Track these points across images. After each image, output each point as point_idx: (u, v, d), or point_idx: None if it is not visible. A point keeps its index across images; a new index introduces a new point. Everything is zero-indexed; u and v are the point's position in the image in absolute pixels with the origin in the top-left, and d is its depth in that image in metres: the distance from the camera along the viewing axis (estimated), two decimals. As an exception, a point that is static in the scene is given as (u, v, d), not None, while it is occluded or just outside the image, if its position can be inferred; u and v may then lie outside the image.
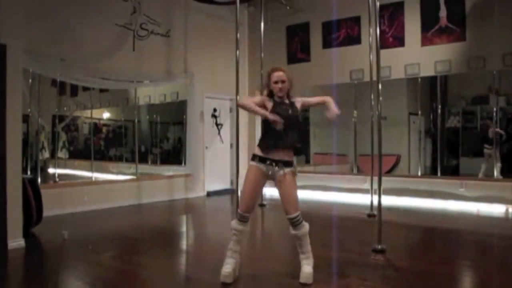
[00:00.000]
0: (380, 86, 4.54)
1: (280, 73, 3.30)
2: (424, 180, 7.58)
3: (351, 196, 7.71)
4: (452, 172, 9.00)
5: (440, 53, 7.26)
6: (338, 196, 7.93)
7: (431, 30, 7.33)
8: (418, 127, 9.00)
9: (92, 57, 6.83)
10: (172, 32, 8.14)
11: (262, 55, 7.12)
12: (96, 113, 8.62)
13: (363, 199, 6.94)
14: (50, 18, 6.28)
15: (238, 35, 5.73)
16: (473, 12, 6.96)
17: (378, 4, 4.99)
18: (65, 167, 7.79)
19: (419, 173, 8.25)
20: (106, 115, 9.38)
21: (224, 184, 9.14)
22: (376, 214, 4.71)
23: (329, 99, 3.38)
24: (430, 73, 7.49)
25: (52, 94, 7.24)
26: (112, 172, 8.48)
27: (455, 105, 9.48)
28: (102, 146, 9.27)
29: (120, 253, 4.39)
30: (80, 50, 6.64)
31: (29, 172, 6.50)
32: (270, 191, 8.20)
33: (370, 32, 6.17)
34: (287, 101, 3.34)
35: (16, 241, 4.32)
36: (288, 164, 3.25)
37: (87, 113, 8.19)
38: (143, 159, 8.86)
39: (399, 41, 7.67)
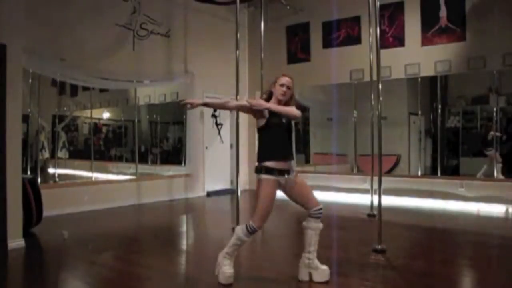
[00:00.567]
0: (380, 86, 4.54)
1: (289, 80, 3.33)
2: (424, 180, 7.58)
3: (351, 196, 7.71)
4: (452, 172, 9.01)
5: (440, 53, 7.26)
6: (338, 196, 7.93)
7: (431, 30, 7.33)
8: (418, 127, 9.00)
9: (92, 57, 6.83)
10: (172, 32, 8.14)
11: (262, 55, 7.10)
12: (96, 113, 8.63)
13: (363, 199, 6.94)
14: (50, 18, 6.27)
15: (238, 35, 5.72)
16: (473, 12, 6.96)
17: (378, 4, 4.99)
18: (65, 167, 7.79)
19: (419, 173, 8.25)
20: (106, 115, 9.39)
21: (224, 184, 9.14)
22: (376, 214, 4.70)
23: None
24: (430, 73, 7.50)
25: (52, 94, 7.25)
26: (112, 172, 8.49)
27: (455, 105, 9.48)
28: (102, 146, 9.28)
29: (120, 253, 4.39)
30: (80, 50, 6.64)
31: (29, 172, 6.50)
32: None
33: (370, 32, 6.17)
34: None
35: (16, 241, 4.32)
36: (293, 169, 3.32)
37: (87, 113, 8.20)
38: (143, 159, 8.86)
39: (399, 41, 7.67)
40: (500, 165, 7.33)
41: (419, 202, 7.09)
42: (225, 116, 9.12)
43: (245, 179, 8.71)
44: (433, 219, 6.17)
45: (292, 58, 9.05)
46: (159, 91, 8.93)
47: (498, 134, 7.51)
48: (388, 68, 7.60)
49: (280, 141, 3.23)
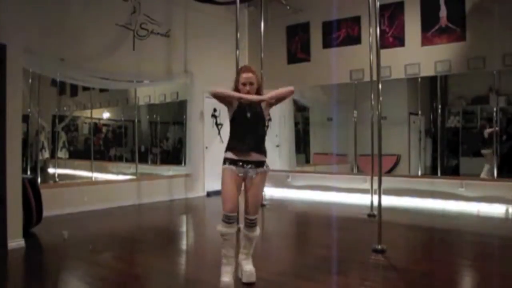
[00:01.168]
0: (380, 86, 4.54)
1: (249, 75, 3.18)
2: (424, 180, 7.57)
3: (351, 196, 7.71)
4: (452, 172, 9.01)
5: (440, 53, 7.26)
6: (338, 196, 7.93)
7: (431, 30, 7.33)
8: (418, 127, 9.00)
9: (92, 57, 6.83)
10: (172, 32, 8.14)
11: (262, 55, 7.11)
12: (96, 113, 8.62)
13: (363, 199, 6.94)
14: (50, 18, 6.28)
15: (238, 35, 5.73)
16: (473, 12, 6.96)
17: (378, 4, 4.99)
18: (65, 167, 7.79)
19: (419, 173, 8.25)
20: (106, 115, 9.38)
21: (224, 184, 9.12)
22: (376, 214, 4.70)
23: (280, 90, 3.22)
24: (430, 73, 7.49)
25: (52, 94, 7.25)
26: (112, 172, 8.49)
27: (455, 105, 9.48)
28: (102, 146, 9.28)
29: (120, 253, 4.39)
30: (80, 50, 6.64)
31: (29, 172, 6.50)
32: (270, 191, 8.23)
33: (370, 32, 6.17)
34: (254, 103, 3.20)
35: (16, 241, 4.32)
36: (259, 164, 3.20)
37: (87, 113, 8.19)
38: (143, 159, 8.86)
39: (399, 41, 7.67)
40: (488, 166, 7.36)
41: (419, 202, 7.09)
42: (225, 116, 9.09)
43: (245, 179, 8.70)
44: (433, 219, 6.17)
45: (292, 58, 9.05)
46: (159, 91, 8.93)
47: (491, 130, 7.51)
48: (388, 68, 7.60)
49: (242, 133, 3.16)
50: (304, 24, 8.85)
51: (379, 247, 4.16)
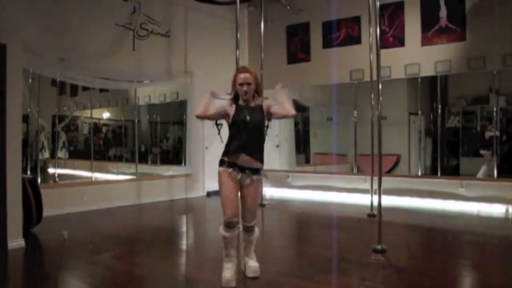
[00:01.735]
0: (380, 86, 4.54)
1: (247, 75, 3.13)
2: (424, 180, 7.57)
3: (351, 196, 7.71)
4: (452, 172, 9.01)
5: (440, 53, 7.26)
6: (338, 196, 7.92)
7: (431, 30, 7.33)
8: (418, 127, 9.01)
9: (92, 57, 6.83)
10: (172, 32, 8.14)
11: (262, 55, 7.11)
12: (96, 113, 8.63)
13: (363, 199, 6.93)
14: (50, 18, 6.28)
15: (238, 35, 5.73)
16: (473, 12, 6.96)
17: (378, 4, 4.99)
18: (65, 167, 7.80)
19: (419, 173, 8.25)
20: (106, 115, 9.39)
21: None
22: (376, 214, 4.70)
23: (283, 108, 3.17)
24: (430, 73, 7.49)
25: (52, 94, 7.25)
26: (112, 172, 8.49)
27: (455, 105, 9.48)
28: (102, 146, 9.28)
29: (120, 253, 4.38)
30: (80, 50, 6.64)
31: (29, 172, 6.50)
32: (270, 191, 8.23)
33: (370, 32, 6.17)
34: (252, 104, 3.19)
35: (16, 241, 4.32)
36: (256, 171, 3.18)
37: (87, 113, 8.20)
38: (143, 159, 8.86)
39: (399, 41, 7.67)
40: (485, 167, 7.37)
41: (419, 202, 7.09)
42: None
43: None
44: (433, 219, 6.17)
45: (292, 58, 9.05)
46: (159, 91, 8.93)
47: (497, 133, 7.50)
48: (388, 68, 7.59)
49: (239, 137, 3.12)
50: (304, 24, 8.85)
51: (379, 247, 4.16)
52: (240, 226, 3.31)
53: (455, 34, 7.12)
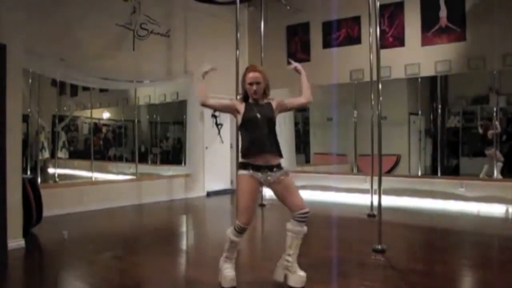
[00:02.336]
0: (380, 86, 4.54)
1: (256, 74, 3.12)
2: (424, 180, 7.58)
3: (351, 196, 7.71)
4: (452, 172, 9.01)
5: (440, 53, 7.26)
6: (338, 196, 7.93)
7: (431, 30, 7.33)
8: (418, 127, 9.01)
9: (92, 57, 6.83)
10: (172, 32, 8.14)
11: (262, 55, 7.11)
12: (96, 113, 8.63)
13: (363, 199, 6.93)
14: (50, 18, 6.28)
15: (238, 35, 5.73)
16: (473, 12, 6.96)
17: (378, 4, 4.99)
18: (65, 167, 7.79)
19: (419, 173, 8.25)
20: (106, 115, 9.39)
21: (224, 184, 9.14)
22: (376, 214, 4.70)
23: (304, 98, 3.33)
24: (430, 73, 7.50)
25: (52, 94, 7.25)
26: (112, 172, 8.49)
27: (455, 105, 9.48)
28: (102, 146, 9.28)
29: (120, 253, 4.38)
30: (80, 50, 6.64)
31: (29, 172, 6.50)
32: (270, 191, 8.22)
33: (370, 32, 6.17)
34: (262, 103, 3.19)
35: (16, 241, 4.32)
36: (279, 167, 3.15)
37: (87, 113, 8.21)
38: (143, 159, 8.86)
39: (399, 41, 7.67)
40: (500, 164, 7.32)
41: (419, 202, 7.09)
42: (225, 116, 9.12)
43: (245, 179, 8.70)
44: (433, 219, 6.17)
45: (292, 58, 8.98)
46: (159, 91, 8.93)
47: (498, 130, 7.51)
48: (388, 68, 7.60)
49: (255, 136, 3.08)
50: (304, 24, 8.85)
51: (379, 247, 4.16)
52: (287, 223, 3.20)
53: (455, 34, 7.12)
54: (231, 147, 9.04)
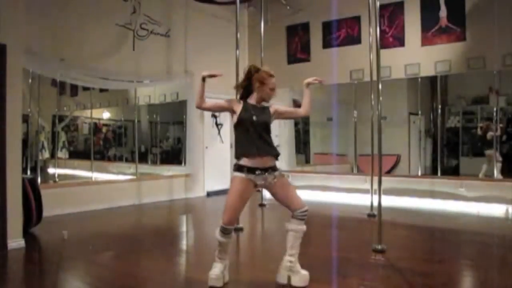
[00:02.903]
0: (380, 86, 4.54)
1: (274, 81, 3.21)
2: (424, 180, 7.58)
3: (351, 196, 7.71)
4: (452, 172, 9.01)
5: (440, 53, 7.26)
6: (338, 196, 7.93)
7: (431, 30, 7.33)
8: (418, 127, 9.00)
9: (92, 57, 6.83)
10: (172, 32, 8.14)
11: (262, 55, 7.11)
12: (96, 113, 8.62)
13: (363, 199, 6.94)
14: (50, 18, 6.28)
15: (238, 35, 5.73)
16: (473, 12, 6.96)
17: (378, 4, 4.99)
18: (65, 167, 7.79)
19: (419, 173, 8.25)
20: (106, 115, 9.38)
21: (224, 184, 9.11)
22: (376, 214, 4.70)
23: (303, 109, 3.34)
24: (430, 73, 7.50)
25: (52, 94, 7.24)
26: (112, 172, 8.49)
27: (455, 105, 9.48)
28: (102, 146, 9.28)
29: (120, 253, 4.38)
30: (80, 50, 6.64)
31: (29, 172, 6.50)
32: (270, 191, 8.21)
33: (370, 32, 6.17)
34: (260, 106, 3.22)
35: (16, 241, 4.32)
36: (274, 169, 3.17)
37: (87, 113, 8.19)
38: (143, 159, 8.86)
39: (399, 41, 7.67)
40: (499, 164, 7.32)
41: (419, 202, 7.09)
42: (225, 117, 9.12)
43: (245, 179, 8.71)
44: (433, 219, 6.17)
45: (292, 58, 9.05)
46: (159, 91, 8.93)
47: (498, 133, 7.51)
48: (388, 68, 7.60)
49: (250, 137, 3.09)
50: (304, 24, 8.85)
51: (379, 247, 4.16)
52: (287, 223, 3.22)
53: (455, 34, 7.12)
54: (231, 147, 9.04)
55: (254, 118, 3.11)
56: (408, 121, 8.98)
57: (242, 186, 3.09)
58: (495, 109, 7.40)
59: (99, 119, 9.11)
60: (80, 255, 4.26)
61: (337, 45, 8.39)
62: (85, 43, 6.73)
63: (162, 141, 9.72)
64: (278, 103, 3.40)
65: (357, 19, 8.11)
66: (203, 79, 3.16)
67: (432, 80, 8.13)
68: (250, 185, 3.12)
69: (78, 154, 8.44)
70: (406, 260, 4.07)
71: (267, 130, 3.20)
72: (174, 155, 9.62)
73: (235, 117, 3.16)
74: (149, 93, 8.82)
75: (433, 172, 8.57)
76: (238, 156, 3.15)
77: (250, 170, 3.08)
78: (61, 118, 7.89)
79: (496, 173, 7.19)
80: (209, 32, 8.62)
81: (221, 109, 3.34)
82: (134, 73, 7.55)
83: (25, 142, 6.26)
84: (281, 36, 9.10)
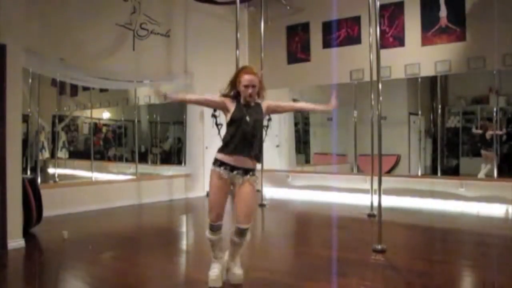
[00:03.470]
0: (380, 86, 4.54)
1: (252, 77, 3.03)
2: (424, 180, 7.57)
3: (351, 196, 7.70)
4: (452, 172, 9.01)
5: (440, 53, 7.26)
6: (338, 196, 7.92)
7: (431, 30, 7.33)
8: (418, 127, 9.01)
9: (92, 57, 6.83)
10: (172, 32, 8.14)
11: (262, 55, 7.12)
12: (96, 113, 8.62)
13: (363, 199, 6.93)
14: (50, 18, 6.28)
15: (238, 35, 5.74)
16: (473, 12, 6.96)
17: (378, 4, 4.98)
18: (65, 167, 7.79)
19: (419, 173, 8.25)
20: (106, 115, 9.39)
21: (224, 184, 9.13)
22: (376, 214, 4.70)
23: (300, 104, 3.32)
24: (430, 73, 7.50)
25: (52, 94, 7.25)
26: (112, 172, 8.49)
27: (455, 105, 9.48)
28: (102, 146, 9.28)
29: (120, 253, 4.39)
30: (80, 50, 6.64)
31: (29, 172, 6.50)
32: (270, 191, 8.23)
33: (370, 32, 6.17)
34: (252, 104, 3.12)
35: (16, 241, 4.32)
36: (247, 172, 3.09)
37: (87, 113, 8.20)
38: (143, 159, 8.86)
39: (399, 41, 7.67)
40: (489, 166, 7.38)
41: (419, 202, 7.09)
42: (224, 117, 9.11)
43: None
44: (433, 219, 6.17)
45: (292, 58, 9.05)
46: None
47: (498, 132, 7.50)
48: (388, 68, 7.60)
49: (239, 137, 3.03)
50: (304, 24, 8.85)
51: (379, 247, 4.16)
52: (233, 227, 3.21)
53: (455, 34, 7.12)
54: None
55: (247, 118, 3.05)
56: (408, 121, 8.98)
57: (216, 179, 3.11)
58: (495, 109, 7.40)
59: (99, 119, 9.12)
60: (80, 255, 4.26)
61: (337, 45, 8.38)
62: (85, 43, 6.73)
63: (162, 141, 9.72)
64: (271, 99, 3.30)
65: (357, 19, 8.11)
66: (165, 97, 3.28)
67: (432, 80, 8.13)
68: (223, 179, 3.09)
69: (78, 154, 8.45)
70: (406, 260, 4.08)
71: (258, 131, 3.13)
72: (174, 155, 9.63)
73: (228, 116, 3.12)
74: (149, 93, 8.82)
75: (433, 172, 8.58)
76: (220, 149, 3.14)
77: (223, 164, 3.08)
78: (61, 118, 7.89)
79: (482, 173, 7.21)
80: (209, 32, 8.62)
81: (209, 102, 3.26)
82: (134, 73, 7.54)
83: (25, 142, 6.27)
84: (281, 36, 9.09)
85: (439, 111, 8.73)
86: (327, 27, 8.52)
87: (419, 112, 8.73)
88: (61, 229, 4.95)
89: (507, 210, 6.43)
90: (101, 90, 8.11)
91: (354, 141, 8.40)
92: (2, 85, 4.22)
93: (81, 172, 7.89)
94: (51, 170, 7.37)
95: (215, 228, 3.14)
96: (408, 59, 7.56)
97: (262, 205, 7.09)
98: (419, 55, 7.46)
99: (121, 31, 7.31)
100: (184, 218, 6.84)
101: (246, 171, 3.09)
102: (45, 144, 7.33)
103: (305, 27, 8.84)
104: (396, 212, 6.32)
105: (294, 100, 9.56)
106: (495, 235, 5.16)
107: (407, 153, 8.92)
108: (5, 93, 4.25)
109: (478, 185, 6.89)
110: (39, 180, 6.35)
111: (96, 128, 8.84)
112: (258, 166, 3.31)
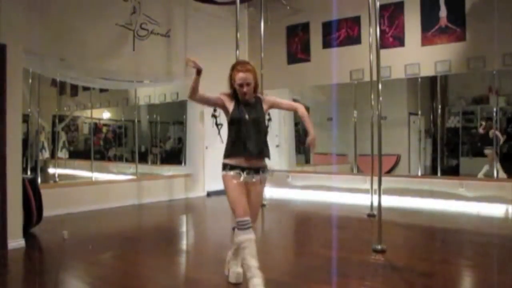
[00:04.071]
0: (380, 86, 4.54)
1: (246, 75, 2.92)
2: (424, 180, 7.58)
3: (351, 196, 7.71)
4: (452, 172, 9.01)
5: (440, 53, 7.26)
6: (338, 196, 7.93)
7: (431, 30, 7.33)
8: (418, 127, 9.01)
9: (92, 57, 6.83)
10: (172, 32, 8.14)
11: (262, 55, 7.11)
12: (96, 113, 8.64)
13: (363, 199, 6.94)
14: (50, 18, 6.27)
15: (238, 35, 5.73)
16: (473, 12, 6.96)
17: (378, 4, 4.98)
18: (65, 167, 7.80)
19: (419, 173, 8.25)
20: (106, 115, 9.39)
21: (224, 184, 9.13)
22: (376, 214, 4.70)
23: (302, 109, 3.13)
24: (430, 73, 7.49)
25: (52, 94, 7.26)
26: (112, 172, 8.50)
27: (455, 105, 9.49)
28: (102, 146, 9.29)
29: (120, 253, 4.39)
30: (80, 50, 6.64)
31: (29, 172, 6.50)
32: (270, 191, 8.23)
33: (370, 32, 6.17)
34: (252, 101, 3.04)
35: (16, 241, 4.32)
36: (258, 170, 3.01)
37: (87, 113, 8.21)
38: (143, 159, 8.87)
39: (399, 41, 7.67)
40: (498, 165, 7.35)
41: (419, 202, 7.09)
42: (225, 116, 9.11)
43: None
44: (433, 219, 6.17)
45: (292, 58, 9.05)
46: (159, 91, 8.93)
47: (497, 133, 7.51)
48: (388, 68, 7.60)
49: (242, 137, 2.94)
50: (304, 24, 8.85)
51: (379, 247, 4.16)
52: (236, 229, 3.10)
53: (455, 34, 7.12)
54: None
55: (247, 116, 2.98)
56: (408, 121, 8.98)
57: (231, 182, 2.95)
58: (495, 109, 7.40)
59: (99, 119, 9.13)
60: (80, 255, 4.26)
61: (337, 45, 8.38)
62: (85, 43, 6.73)
63: (162, 141, 9.72)
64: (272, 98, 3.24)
65: (357, 19, 8.11)
66: (198, 72, 2.92)
67: (432, 80, 8.14)
68: (237, 180, 2.96)
69: (78, 154, 8.46)
70: (406, 260, 4.07)
71: (261, 128, 3.05)
72: (174, 155, 9.63)
73: (228, 116, 3.07)
74: (149, 93, 8.83)
75: (433, 172, 8.58)
76: (227, 154, 3.03)
77: (231, 167, 2.96)
78: (61, 118, 7.91)
79: (497, 173, 7.18)
80: (209, 32, 8.62)
81: (212, 103, 3.17)
82: (134, 73, 7.54)
83: (25, 142, 6.27)
84: (281, 36, 9.10)
85: (439, 111, 8.74)
86: (327, 27, 8.52)
87: (419, 112, 8.74)
88: (61, 229, 4.95)
89: (507, 210, 6.43)
90: (101, 90, 8.12)
91: (354, 141, 8.41)
92: (2, 85, 4.22)
93: (81, 172, 7.90)
94: (51, 170, 7.38)
95: (246, 225, 2.83)
96: (408, 59, 7.56)
97: (262, 205, 7.09)
98: (419, 55, 7.46)
99: (121, 31, 7.31)
100: (184, 218, 6.84)
101: (257, 170, 3.01)
102: (45, 144, 7.34)
103: (305, 27, 8.84)
104: (396, 212, 6.31)
105: (295, 100, 9.58)
106: (495, 235, 5.16)
107: (407, 153, 8.93)
108: (5, 93, 4.25)
109: (478, 185, 6.89)
110: (39, 180, 6.35)
111: (96, 128, 8.85)
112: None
